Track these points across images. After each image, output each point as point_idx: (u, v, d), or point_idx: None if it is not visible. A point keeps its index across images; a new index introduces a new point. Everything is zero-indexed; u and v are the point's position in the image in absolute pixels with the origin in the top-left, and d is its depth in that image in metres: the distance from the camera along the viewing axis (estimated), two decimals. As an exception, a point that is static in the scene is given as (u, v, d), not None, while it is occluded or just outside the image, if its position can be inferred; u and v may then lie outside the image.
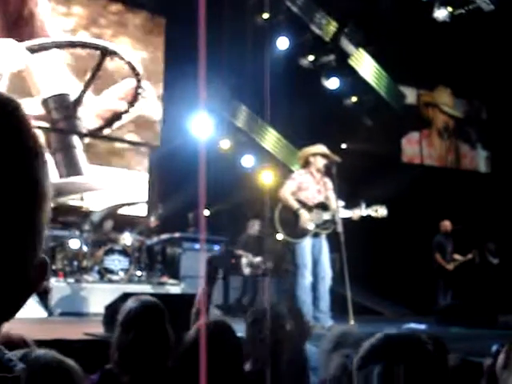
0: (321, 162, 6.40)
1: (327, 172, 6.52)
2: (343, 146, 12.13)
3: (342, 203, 6.54)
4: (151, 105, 12.05)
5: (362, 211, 6.35)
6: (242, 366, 2.43)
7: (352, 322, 6.03)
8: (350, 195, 7.98)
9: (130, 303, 2.52)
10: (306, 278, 6.18)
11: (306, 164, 6.50)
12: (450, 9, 10.45)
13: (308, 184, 6.38)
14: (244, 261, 9.25)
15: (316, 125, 11.13)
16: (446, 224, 10.04)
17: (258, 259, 9.29)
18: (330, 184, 6.47)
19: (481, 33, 10.97)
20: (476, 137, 14.27)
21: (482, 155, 14.32)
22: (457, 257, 10.01)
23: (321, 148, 6.50)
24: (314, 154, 6.43)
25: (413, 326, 6.87)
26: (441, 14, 10.54)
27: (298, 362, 2.39)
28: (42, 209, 0.61)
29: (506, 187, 11.78)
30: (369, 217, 6.39)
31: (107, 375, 2.36)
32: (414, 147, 13.66)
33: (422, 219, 11.13)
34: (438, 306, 9.33)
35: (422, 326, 6.78)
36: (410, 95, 13.66)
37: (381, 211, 6.37)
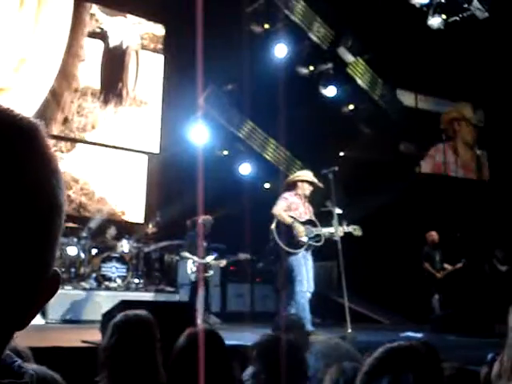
0: (307, 189, 6.85)
1: (326, 181, 6.86)
2: (341, 153, 12.17)
3: (339, 211, 6.80)
4: (150, 113, 12.10)
5: (344, 229, 6.77)
6: (232, 373, 2.43)
7: (349, 330, 6.04)
8: (347, 202, 8.03)
9: (117, 318, 2.56)
10: (304, 286, 6.38)
11: (293, 187, 6.91)
12: (444, 16, 10.48)
13: (297, 205, 6.81)
14: (189, 265, 8.35)
15: (314, 133, 11.17)
16: (433, 234, 10.18)
17: (209, 260, 8.43)
18: (311, 209, 6.95)
19: (476, 39, 11.04)
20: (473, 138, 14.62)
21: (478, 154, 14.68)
22: (446, 266, 10.14)
23: (308, 175, 6.97)
24: (302, 181, 6.87)
25: (410, 334, 6.87)
26: (435, 21, 10.58)
27: (300, 372, 2.40)
28: (57, 222, 0.64)
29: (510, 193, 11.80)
30: (349, 233, 6.84)
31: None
32: (439, 156, 13.91)
33: (422, 227, 11.16)
34: (434, 315, 9.33)
35: (419, 335, 6.78)
36: (408, 98, 13.74)
37: (357, 231, 6.88)
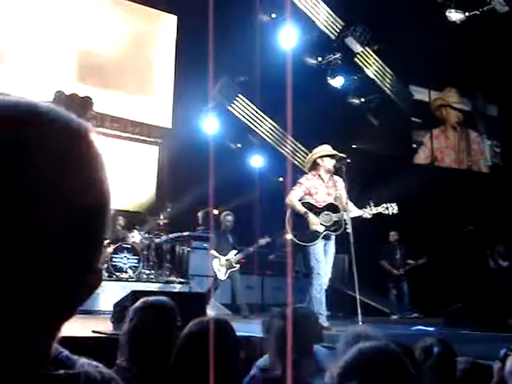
0: (329, 163, 6.37)
1: (338, 172, 6.51)
2: (353, 146, 12.11)
3: (351, 204, 6.51)
4: (161, 102, 12.11)
5: (371, 210, 6.35)
6: (239, 363, 2.43)
7: (360, 323, 5.99)
8: (359, 195, 7.96)
9: (138, 303, 2.62)
10: (321, 278, 6.17)
11: (314, 167, 6.47)
12: (466, 13, 10.40)
13: (317, 189, 6.36)
14: (215, 265, 8.56)
15: (324, 124, 11.10)
16: (392, 234, 10.78)
17: (232, 256, 8.62)
18: (340, 183, 6.45)
19: (494, 33, 10.90)
20: (483, 128, 14.58)
21: (487, 144, 14.63)
22: (409, 261, 10.68)
23: (327, 148, 6.48)
24: (322, 156, 6.41)
25: (421, 327, 6.84)
26: (455, 16, 10.47)
27: (309, 364, 2.38)
28: (105, 219, 0.67)
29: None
30: (379, 214, 6.38)
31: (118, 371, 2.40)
32: (431, 142, 13.93)
33: (433, 220, 11.10)
34: (447, 308, 9.30)
35: (431, 328, 6.74)
36: (421, 93, 13.66)
37: (391, 208, 6.39)
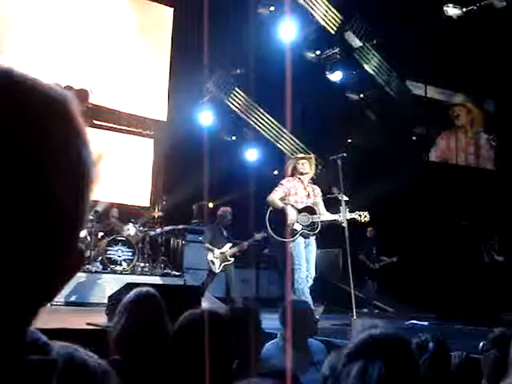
0: (304, 166, 6.75)
1: (335, 167, 6.72)
2: (349, 140, 12.10)
3: (346, 198, 6.66)
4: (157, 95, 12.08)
5: (346, 215, 6.60)
6: (232, 355, 2.44)
7: (355, 317, 6.03)
8: (353, 189, 7.99)
9: (129, 294, 2.63)
10: (303, 272, 6.38)
11: (292, 172, 6.83)
12: (464, 9, 10.40)
13: (297, 189, 6.71)
14: (210, 257, 8.52)
15: (321, 118, 11.09)
16: (369, 230, 10.92)
17: (227, 249, 8.60)
18: (318, 191, 6.82)
19: (491, 28, 10.88)
20: (481, 122, 14.71)
21: (484, 138, 14.76)
22: (383, 258, 10.95)
23: (300, 155, 7.12)
24: (296, 161, 6.83)
25: (415, 322, 6.86)
26: (453, 11, 10.47)
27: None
28: (87, 195, 0.63)
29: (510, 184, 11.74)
30: (353, 220, 6.66)
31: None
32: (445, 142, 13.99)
33: (428, 214, 11.13)
34: (441, 303, 9.35)
35: (425, 323, 6.77)
36: (419, 88, 13.65)
37: (363, 216, 6.67)
